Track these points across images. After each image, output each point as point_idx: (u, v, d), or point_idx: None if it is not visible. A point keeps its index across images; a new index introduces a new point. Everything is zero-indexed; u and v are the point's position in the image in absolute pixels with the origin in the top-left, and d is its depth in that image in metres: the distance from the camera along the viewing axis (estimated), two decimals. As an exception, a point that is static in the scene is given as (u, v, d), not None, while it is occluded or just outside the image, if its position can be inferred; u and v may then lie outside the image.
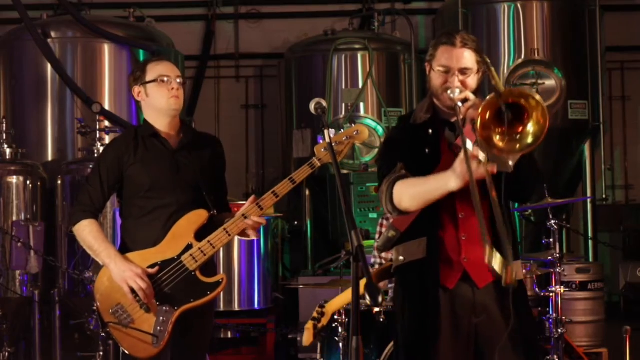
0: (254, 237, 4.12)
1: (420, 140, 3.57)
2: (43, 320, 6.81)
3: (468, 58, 3.52)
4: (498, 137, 3.23)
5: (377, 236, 5.98)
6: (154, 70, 4.14)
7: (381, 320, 5.21)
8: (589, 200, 8.78)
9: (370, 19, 9.85)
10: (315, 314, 4.62)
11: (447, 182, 3.34)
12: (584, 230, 8.93)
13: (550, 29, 8.70)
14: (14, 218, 6.93)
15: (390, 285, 5.58)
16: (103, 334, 5.79)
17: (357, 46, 9.04)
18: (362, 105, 8.92)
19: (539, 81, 8.50)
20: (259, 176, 10.33)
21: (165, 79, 4.12)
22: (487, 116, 3.22)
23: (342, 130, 4.16)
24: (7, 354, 6.49)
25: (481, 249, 3.40)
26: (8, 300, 6.88)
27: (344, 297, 4.75)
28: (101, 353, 6.01)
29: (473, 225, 3.47)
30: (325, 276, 7.17)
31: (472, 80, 3.53)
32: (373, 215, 8.12)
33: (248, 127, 10.49)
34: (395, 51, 9.18)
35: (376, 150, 8.79)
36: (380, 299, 2.86)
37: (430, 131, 3.58)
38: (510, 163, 3.36)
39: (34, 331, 6.70)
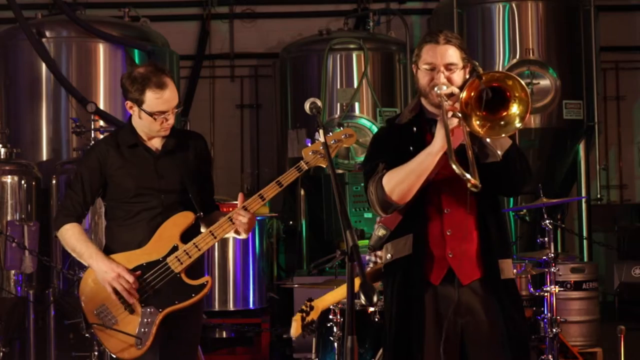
0: (243, 236, 4.11)
1: (405, 139, 3.59)
2: (37, 320, 6.80)
3: (452, 54, 3.54)
4: (479, 121, 3.28)
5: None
6: (153, 103, 4.03)
7: (376, 319, 5.20)
8: (583, 200, 8.79)
9: (365, 18, 9.86)
10: (303, 307, 4.62)
11: (431, 146, 3.39)
12: (578, 230, 8.95)
13: (544, 29, 8.72)
14: (9, 218, 6.91)
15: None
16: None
17: (352, 46, 9.05)
18: (357, 104, 8.93)
19: (534, 81, 8.51)
20: (253, 176, 10.34)
21: (162, 114, 4.05)
22: (471, 99, 3.29)
23: (331, 133, 4.15)
24: (1, 354, 6.48)
25: (466, 244, 3.43)
26: (2, 300, 6.86)
27: (334, 295, 4.74)
28: (96, 353, 6.00)
29: (458, 220, 3.50)
30: (320, 276, 7.16)
31: (458, 77, 3.55)
32: (368, 215, 8.11)
33: (243, 127, 10.49)
34: (390, 51, 9.18)
35: (371, 150, 8.79)
36: (374, 299, 2.86)
37: (415, 129, 3.60)
38: (499, 152, 3.40)
39: (29, 331, 6.69)
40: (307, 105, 3.63)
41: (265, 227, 7.87)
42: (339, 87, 8.95)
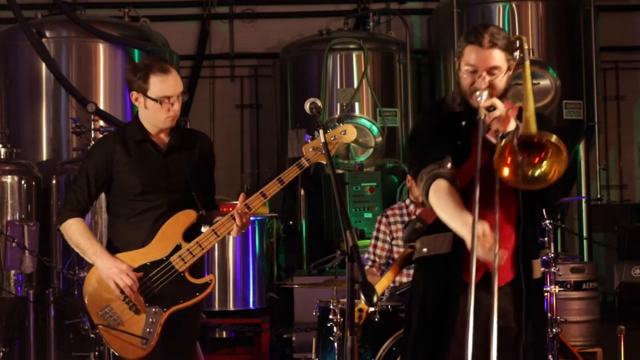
0: (234, 235, 4.09)
1: (453, 132, 3.52)
2: (37, 320, 6.79)
3: (496, 57, 3.45)
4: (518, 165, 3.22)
5: (374, 233, 6.01)
6: (158, 87, 4.03)
7: (376, 319, 5.20)
8: (583, 200, 8.79)
9: (365, 18, 9.85)
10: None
11: (463, 228, 3.31)
12: (578, 230, 8.95)
13: (544, 29, 8.72)
14: (9, 218, 6.91)
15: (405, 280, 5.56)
16: (92, 335, 5.79)
17: (352, 46, 9.05)
18: (357, 105, 8.93)
19: (534, 81, 8.50)
20: (253, 176, 10.34)
21: (167, 99, 4.05)
22: (507, 151, 3.21)
23: (331, 130, 4.13)
24: (1, 354, 6.47)
25: (506, 245, 3.38)
26: (2, 300, 6.86)
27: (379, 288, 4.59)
28: (96, 353, 6.00)
29: (500, 223, 3.39)
30: (320, 276, 7.16)
31: (501, 81, 3.47)
32: (368, 215, 8.12)
33: (243, 127, 10.49)
34: (390, 51, 9.18)
35: (371, 151, 8.80)
36: (374, 299, 2.85)
37: (464, 123, 3.51)
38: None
39: (29, 331, 6.68)
40: (307, 105, 3.62)
41: (265, 227, 7.86)
42: (339, 87, 8.95)
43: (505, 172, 3.22)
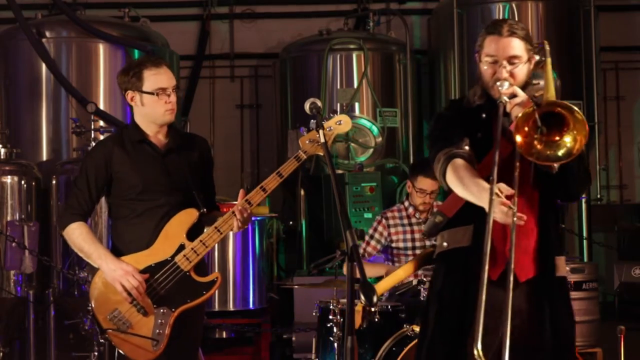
0: (235, 231, 4.09)
1: (474, 124, 3.52)
2: (37, 320, 6.80)
3: (516, 46, 3.47)
4: (535, 142, 3.21)
5: (370, 231, 6.02)
6: (152, 80, 4.06)
7: (376, 320, 5.20)
8: (583, 200, 8.79)
9: (365, 18, 9.86)
10: None
11: (479, 199, 3.29)
12: (578, 230, 8.94)
13: (544, 28, 8.72)
14: (9, 218, 6.91)
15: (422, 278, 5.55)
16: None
17: (352, 46, 9.05)
18: (357, 105, 8.93)
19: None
20: (253, 176, 10.34)
21: (163, 91, 4.06)
22: (526, 125, 3.21)
23: (326, 121, 4.13)
24: (1, 354, 6.48)
25: (526, 240, 3.37)
26: (2, 300, 6.86)
27: (393, 278, 4.56)
28: (96, 353, 6.00)
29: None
30: (320, 276, 7.16)
31: (521, 71, 3.50)
32: (368, 215, 8.11)
33: (243, 127, 10.49)
34: (390, 51, 9.18)
35: (371, 151, 8.80)
36: (374, 299, 2.85)
37: (484, 115, 3.52)
38: (555, 165, 3.33)
39: (29, 331, 6.69)
40: (307, 105, 3.63)
41: (265, 227, 7.86)
42: (339, 87, 8.95)
43: (518, 138, 3.21)
